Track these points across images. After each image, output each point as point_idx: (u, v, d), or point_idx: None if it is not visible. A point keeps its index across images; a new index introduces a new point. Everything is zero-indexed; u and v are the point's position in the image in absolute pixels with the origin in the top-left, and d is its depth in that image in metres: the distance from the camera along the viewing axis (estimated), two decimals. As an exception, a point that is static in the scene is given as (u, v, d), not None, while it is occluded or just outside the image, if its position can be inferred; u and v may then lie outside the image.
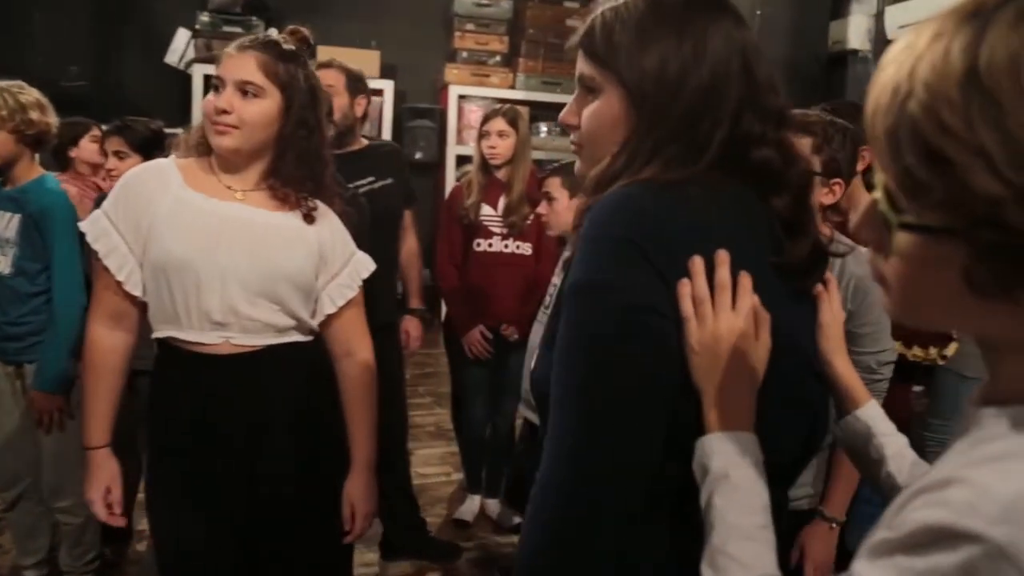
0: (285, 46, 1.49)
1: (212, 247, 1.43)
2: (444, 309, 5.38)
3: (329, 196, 1.57)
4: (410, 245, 2.83)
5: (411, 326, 2.81)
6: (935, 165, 0.47)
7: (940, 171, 0.46)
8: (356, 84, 2.60)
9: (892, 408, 1.90)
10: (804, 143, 1.42)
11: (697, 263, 0.74)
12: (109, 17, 5.23)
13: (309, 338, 1.55)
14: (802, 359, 0.84)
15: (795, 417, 0.83)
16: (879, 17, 5.13)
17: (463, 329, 2.81)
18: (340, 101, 2.52)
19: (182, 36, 5.42)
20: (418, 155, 5.88)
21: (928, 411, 2.79)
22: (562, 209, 2.28)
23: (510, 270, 2.80)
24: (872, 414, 0.89)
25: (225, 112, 1.42)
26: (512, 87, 6.10)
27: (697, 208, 0.77)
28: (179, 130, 5.41)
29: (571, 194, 2.27)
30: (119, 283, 1.45)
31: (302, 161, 1.49)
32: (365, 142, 2.67)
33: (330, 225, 1.56)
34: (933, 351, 2.17)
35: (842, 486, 1.57)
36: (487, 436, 2.93)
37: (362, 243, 1.66)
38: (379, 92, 5.74)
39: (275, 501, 1.49)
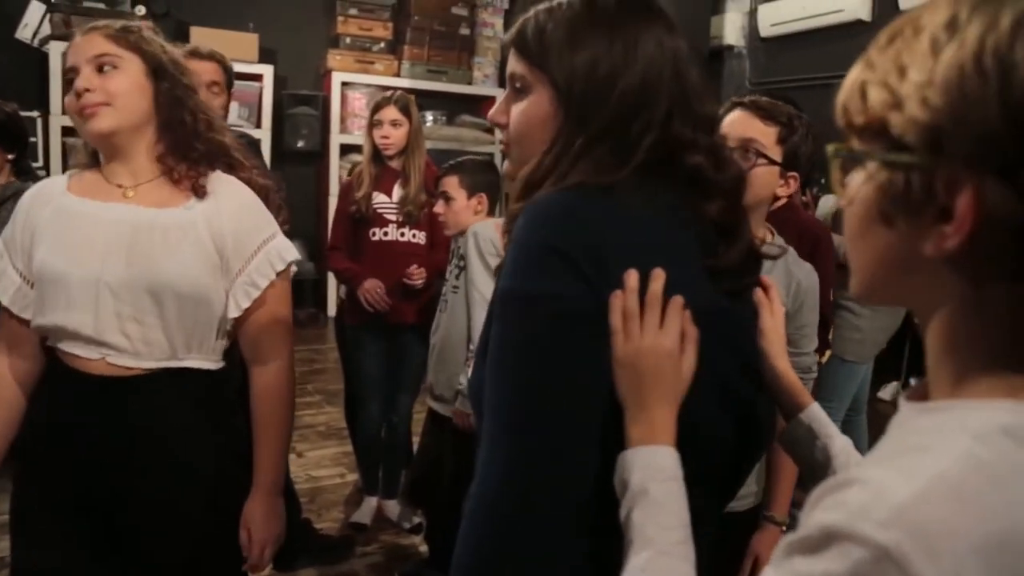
0: (129, 23, 1.37)
1: (85, 257, 1.27)
2: (333, 304, 5.20)
3: (239, 167, 1.40)
4: None
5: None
6: None
7: None
8: (231, 79, 2.45)
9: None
10: (769, 132, 1.43)
11: (632, 278, 0.73)
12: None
13: (212, 363, 1.36)
14: (738, 361, 0.83)
15: (732, 421, 0.82)
16: (752, 14, 5.35)
17: (357, 282, 2.70)
18: (221, 100, 2.36)
19: (35, 10, 4.97)
20: (300, 144, 5.66)
21: (814, 395, 2.93)
22: (460, 209, 2.24)
23: (406, 259, 2.72)
24: (816, 415, 0.89)
25: (88, 91, 1.27)
26: (397, 75, 5.97)
27: (628, 213, 0.76)
28: (34, 113, 4.98)
29: (468, 193, 2.23)
30: (8, 308, 1.32)
31: (185, 123, 1.34)
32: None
33: (232, 207, 1.35)
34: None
35: (785, 487, 1.57)
36: (383, 435, 2.84)
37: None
38: (258, 77, 5.49)
39: (148, 543, 1.32)
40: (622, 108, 0.78)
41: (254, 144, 2.58)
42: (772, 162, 1.42)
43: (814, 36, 4.88)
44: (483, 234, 2.07)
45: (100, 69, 1.29)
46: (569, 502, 0.71)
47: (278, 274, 1.37)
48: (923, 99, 0.48)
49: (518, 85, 0.84)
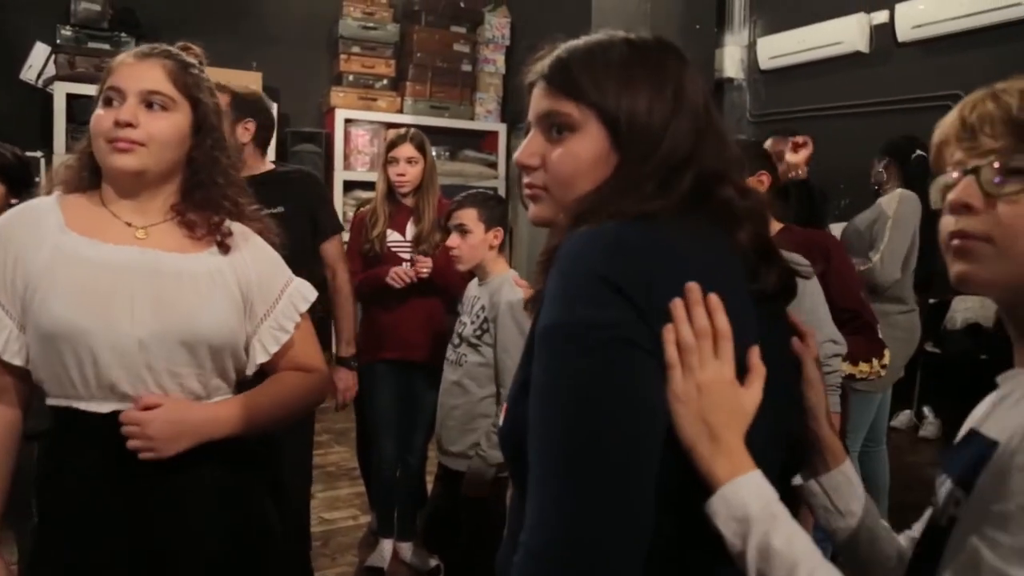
0: (188, 58, 1.32)
1: (107, 307, 1.18)
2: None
3: (249, 218, 1.36)
4: (337, 284, 2.56)
5: (342, 377, 2.56)
6: None
7: None
8: (240, 107, 2.43)
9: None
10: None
11: (679, 308, 0.72)
12: (-49, 31, 4.76)
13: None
14: (783, 391, 0.82)
15: (778, 452, 0.82)
16: (751, 47, 5.41)
17: (382, 275, 2.64)
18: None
19: (40, 51, 5.00)
20: (305, 180, 5.68)
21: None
22: (477, 243, 2.20)
23: (420, 298, 2.70)
24: (850, 471, 0.89)
25: (129, 125, 1.19)
26: (400, 111, 6.00)
27: (673, 240, 0.76)
28: (38, 153, 4.97)
29: (486, 227, 2.20)
30: None
31: (218, 185, 1.30)
32: (269, 167, 2.50)
33: (253, 254, 1.32)
34: (876, 363, 2.24)
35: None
36: (398, 475, 2.80)
37: None
38: (261, 115, 5.51)
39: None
40: (674, 149, 0.80)
41: (293, 179, 2.54)
42: None
43: (813, 68, 4.92)
44: (512, 299, 2.06)
45: (149, 105, 1.22)
46: (635, 551, 0.68)
47: (302, 315, 1.36)
48: None
49: (559, 123, 0.82)
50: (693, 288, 0.73)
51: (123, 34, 4.96)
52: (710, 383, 0.71)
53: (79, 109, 4.67)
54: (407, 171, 2.67)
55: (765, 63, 5.27)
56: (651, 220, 0.75)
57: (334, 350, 2.60)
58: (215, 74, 5.24)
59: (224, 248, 1.29)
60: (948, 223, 0.71)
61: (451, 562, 2.38)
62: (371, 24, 5.90)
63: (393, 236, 2.73)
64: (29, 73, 5.01)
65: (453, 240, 2.22)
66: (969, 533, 0.62)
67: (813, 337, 0.91)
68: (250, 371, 1.33)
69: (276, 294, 1.34)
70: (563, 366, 0.70)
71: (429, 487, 2.68)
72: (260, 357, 1.31)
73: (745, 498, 0.68)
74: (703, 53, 4.10)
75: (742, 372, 0.75)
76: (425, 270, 2.63)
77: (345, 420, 3.79)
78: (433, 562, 2.74)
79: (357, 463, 3.13)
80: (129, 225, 1.26)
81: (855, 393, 2.83)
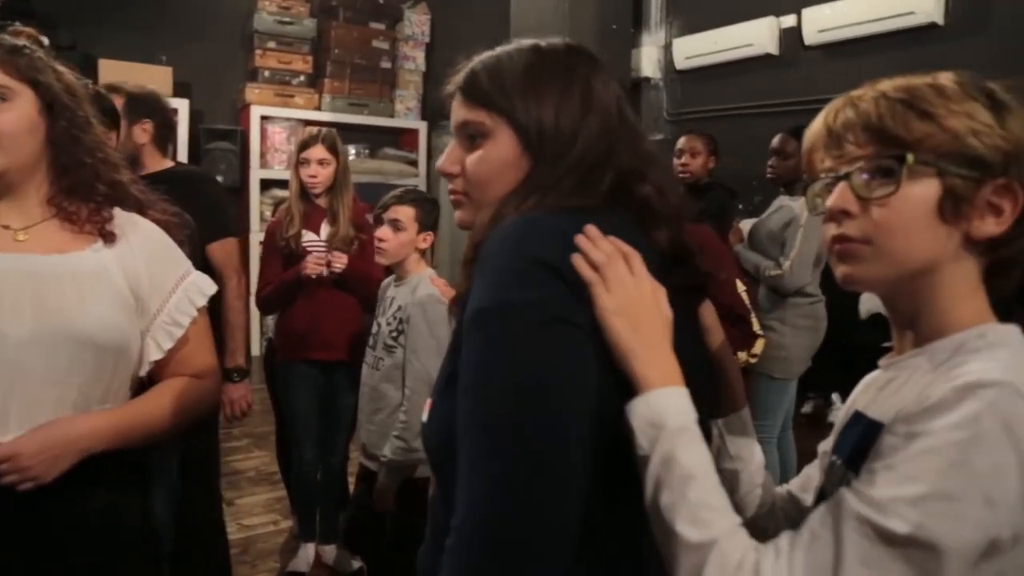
0: (15, 41, 1.21)
1: None
2: (258, 343, 5.05)
3: (136, 202, 1.27)
4: (225, 290, 2.38)
5: (229, 391, 2.38)
6: (923, 118, 0.70)
7: (926, 121, 0.70)
8: (136, 108, 2.31)
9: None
10: None
11: (583, 239, 0.74)
12: None
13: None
14: (697, 368, 0.85)
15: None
16: (667, 48, 5.54)
17: (295, 272, 2.60)
18: (119, 128, 2.25)
19: (-75, 43, 4.71)
20: (219, 179, 5.50)
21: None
22: (407, 241, 2.18)
23: (338, 297, 2.65)
24: (747, 417, 0.95)
25: None
26: (318, 108, 5.91)
27: (602, 228, 0.78)
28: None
29: (420, 228, 2.18)
30: None
31: (86, 164, 1.22)
32: (167, 165, 2.41)
33: (142, 243, 1.24)
34: (743, 355, 2.32)
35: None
36: (319, 477, 2.74)
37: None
38: (173, 111, 5.31)
39: None
40: (586, 149, 0.82)
41: (183, 180, 2.43)
42: None
43: (726, 69, 5.07)
44: (430, 301, 2.04)
45: None
46: (569, 526, 0.68)
47: (199, 310, 1.29)
48: (1002, 135, 0.69)
49: (473, 131, 0.85)
50: (591, 227, 0.75)
51: (17, 23, 4.69)
52: (635, 296, 0.73)
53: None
54: (319, 172, 2.63)
55: (681, 63, 5.40)
56: (580, 211, 0.78)
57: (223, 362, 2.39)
58: (123, 69, 5.02)
59: (109, 238, 1.21)
60: (829, 229, 0.75)
61: (374, 563, 2.35)
62: (287, 19, 5.78)
63: (308, 236, 2.68)
64: (-85, 65, 4.71)
65: (384, 232, 2.18)
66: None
67: (706, 300, 0.96)
68: (143, 371, 1.25)
69: (171, 287, 1.26)
70: (499, 346, 0.70)
71: (352, 488, 2.64)
72: (153, 354, 1.24)
73: (667, 407, 0.70)
74: (620, 53, 4.18)
75: None
76: (339, 265, 2.59)
77: (265, 424, 3.70)
78: (356, 564, 2.70)
79: (277, 467, 3.06)
80: (7, 228, 1.18)
81: (774, 381, 2.95)
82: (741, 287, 2.27)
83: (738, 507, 0.92)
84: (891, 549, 0.59)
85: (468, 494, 0.69)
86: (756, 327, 2.25)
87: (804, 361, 3.08)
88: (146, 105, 2.34)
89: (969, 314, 0.72)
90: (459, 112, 0.86)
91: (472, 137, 0.85)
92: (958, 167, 0.69)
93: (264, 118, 5.67)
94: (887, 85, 0.73)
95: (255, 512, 3.19)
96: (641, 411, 0.70)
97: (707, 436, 0.92)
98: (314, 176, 2.62)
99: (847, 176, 0.73)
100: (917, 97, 0.71)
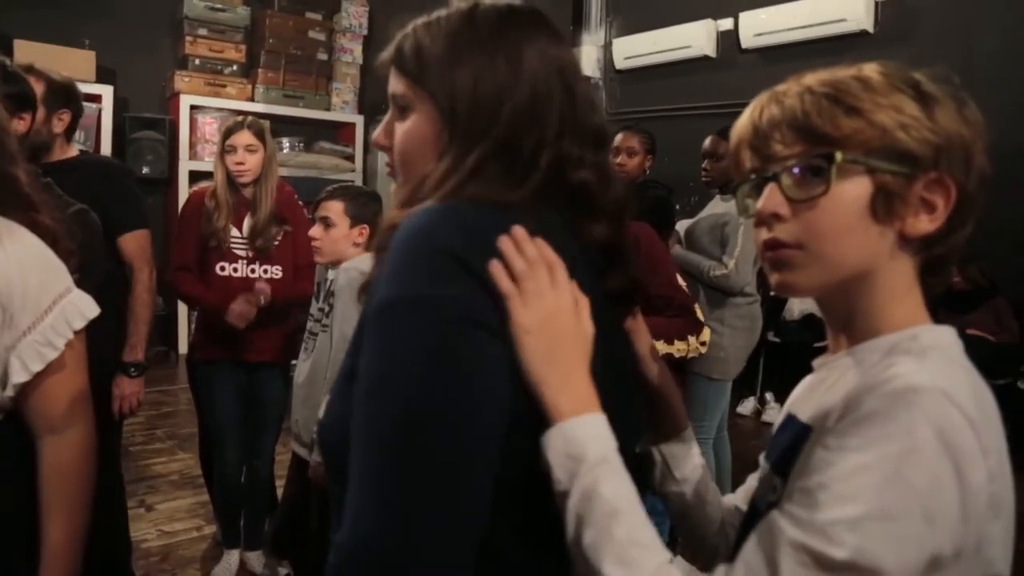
0: None
1: None
2: (185, 342, 4.87)
3: (25, 202, 1.17)
4: (135, 283, 2.25)
5: (121, 383, 2.23)
6: (850, 114, 0.67)
7: (853, 117, 0.67)
8: (56, 96, 2.17)
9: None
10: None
11: (507, 242, 0.68)
12: None
13: None
14: (624, 399, 0.79)
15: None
16: (607, 48, 5.55)
17: (223, 311, 2.45)
18: (36, 114, 2.12)
19: None
20: (145, 170, 5.29)
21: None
22: (339, 237, 2.10)
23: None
24: (688, 437, 0.90)
25: None
26: (251, 99, 5.74)
27: (522, 223, 0.71)
28: None
29: (352, 223, 2.10)
30: None
31: None
32: (73, 153, 2.27)
33: (18, 255, 1.13)
34: (692, 340, 2.30)
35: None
36: (243, 480, 2.63)
37: (92, 274, 1.32)
38: (96, 98, 5.08)
39: None
40: (513, 125, 0.74)
41: (90, 168, 2.30)
42: None
43: (665, 70, 5.12)
44: (358, 269, 1.96)
45: None
46: (464, 553, 0.62)
47: (76, 333, 1.17)
48: (930, 128, 0.66)
49: (400, 104, 0.79)
50: (518, 228, 0.69)
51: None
52: (553, 312, 0.68)
53: None
54: (246, 159, 2.51)
55: (620, 63, 5.43)
56: (501, 207, 0.71)
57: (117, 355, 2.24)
58: (43, 51, 4.78)
59: None
60: (760, 233, 0.71)
61: (301, 567, 2.27)
62: (219, 6, 5.59)
63: (232, 232, 2.56)
64: None
65: (316, 231, 2.11)
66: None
67: (639, 316, 0.90)
68: (9, 392, 1.13)
69: (46, 305, 1.14)
70: (400, 344, 0.64)
71: (279, 494, 2.54)
72: (18, 376, 1.12)
73: (585, 438, 0.65)
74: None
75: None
76: (263, 299, 2.49)
77: (190, 425, 3.55)
78: (283, 570, 2.60)
79: (200, 470, 2.93)
80: None
81: (712, 382, 2.95)
82: (681, 280, 2.25)
83: (691, 530, 0.90)
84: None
85: (354, 508, 0.62)
86: (700, 316, 2.24)
87: (741, 362, 3.10)
88: (66, 95, 2.21)
89: (903, 315, 0.69)
90: (391, 82, 0.80)
91: (402, 109, 0.79)
92: (889, 163, 0.66)
93: (194, 107, 5.47)
94: (812, 79, 0.70)
95: (177, 517, 3.05)
96: (557, 443, 0.65)
97: (633, 457, 0.88)
98: (241, 163, 2.50)
99: (775, 177, 0.69)
100: (843, 91, 0.67)
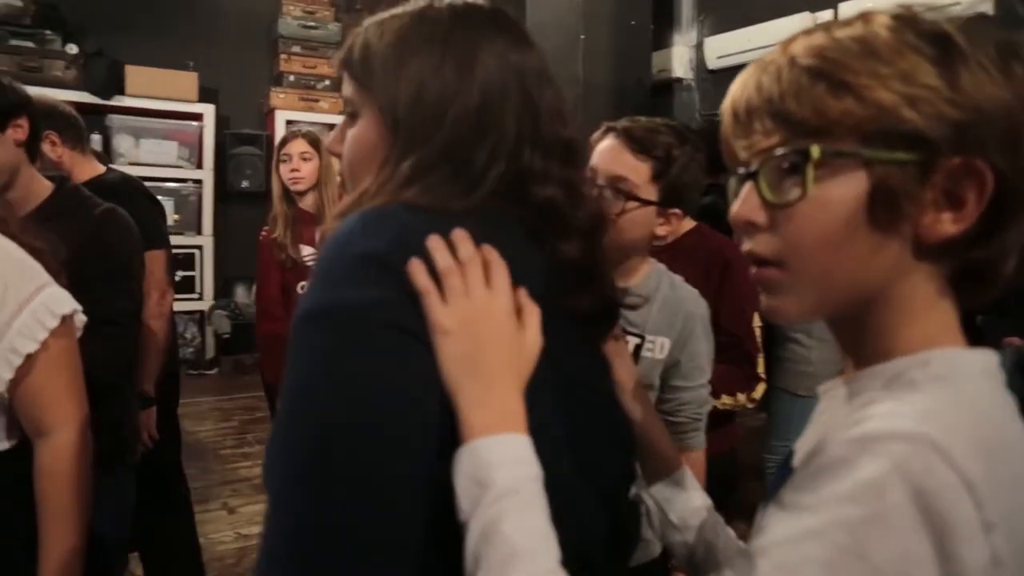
0: None
1: None
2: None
3: (6, 233, 1.17)
4: (146, 308, 2.03)
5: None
6: (838, 92, 0.53)
7: (842, 96, 0.52)
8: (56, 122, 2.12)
9: (721, 442, 1.84)
10: (642, 168, 1.29)
11: (438, 239, 0.61)
12: None
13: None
14: (597, 404, 0.72)
15: (590, 469, 0.68)
16: (699, 47, 5.36)
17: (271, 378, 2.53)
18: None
19: (-40, 50, 4.80)
20: (244, 184, 5.52)
21: (769, 434, 2.81)
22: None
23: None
24: (685, 478, 0.80)
25: None
26: (343, 113, 5.86)
27: (465, 228, 0.65)
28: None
29: None
30: None
31: None
32: (100, 170, 2.27)
33: None
34: (742, 397, 2.15)
35: None
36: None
37: (119, 282, 1.31)
38: (198, 117, 5.36)
39: None
40: (460, 132, 0.68)
41: (125, 186, 2.27)
42: (646, 202, 1.30)
43: (760, 67, 4.88)
44: None
45: None
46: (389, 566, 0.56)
47: (52, 332, 1.14)
48: (951, 99, 0.51)
49: (349, 110, 0.74)
50: (458, 231, 0.62)
51: (48, 32, 4.77)
52: (481, 313, 0.59)
53: None
54: (300, 167, 2.54)
55: (712, 63, 5.22)
56: (442, 214, 0.65)
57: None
58: (151, 75, 5.00)
59: None
60: (743, 244, 0.59)
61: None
62: (312, 23, 5.76)
63: (307, 250, 2.57)
64: (-51, 73, 4.81)
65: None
66: None
67: (623, 340, 0.80)
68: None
69: (12, 310, 1.12)
70: (320, 355, 0.58)
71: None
72: (5, 373, 1.12)
73: (495, 461, 0.55)
74: (639, 51, 4.01)
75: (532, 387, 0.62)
76: None
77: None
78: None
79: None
80: None
81: (798, 399, 2.73)
82: (757, 321, 2.06)
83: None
84: None
85: (268, 527, 0.56)
86: (760, 369, 2.07)
87: (831, 377, 2.87)
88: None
89: (920, 335, 0.55)
90: (343, 85, 0.75)
91: (351, 114, 0.74)
92: (890, 151, 0.51)
93: (289, 122, 5.64)
94: (802, 45, 0.55)
95: (256, 521, 3.12)
96: (465, 464, 0.56)
97: (625, 504, 0.77)
98: (296, 170, 2.53)
99: (753, 174, 0.56)
100: (832, 62, 0.53)
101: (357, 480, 0.55)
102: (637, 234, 1.31)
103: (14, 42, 4.70)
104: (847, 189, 0.53)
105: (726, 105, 0.61)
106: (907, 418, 0.47)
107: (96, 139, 4.84)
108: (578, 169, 0.74)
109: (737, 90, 0.59)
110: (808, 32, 0.57)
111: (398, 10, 0.75)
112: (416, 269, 0.59)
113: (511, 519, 0.53)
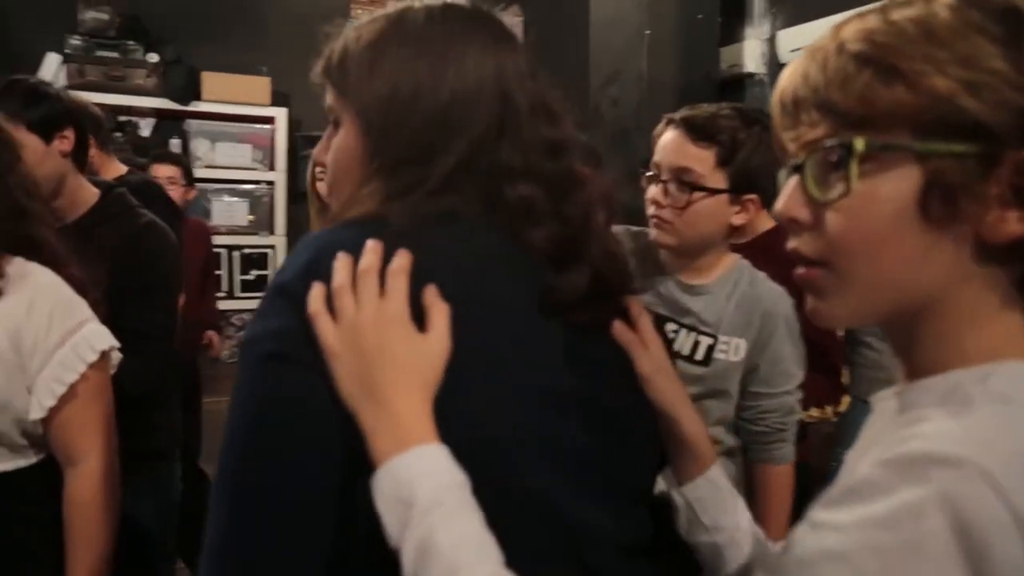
0: None
1: None
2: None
3: (48, 260, 1.26)
4: None
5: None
6: (888, 80, 0.49)
7: (893, 84, 0.49)
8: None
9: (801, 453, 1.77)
10: (706, 155, 1.25)
11: (344, 256, 0.61)
12: (-33, 42, 4.83)
13: (19, 463, 1.21)
14: (625, 423, 0.70)
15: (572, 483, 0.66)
16: (771, 41, 5.20)
17: None
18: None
19: (52, 61, 5.04)
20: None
21: (838, 442, 2.70)
22: None
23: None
24: (718, 478, 0.76)
25: None
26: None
27: (388, 240, 0.63)
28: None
29: None
30: None
31: None
32: (120, 171, 2.40)
33: (30, 298, 1.21)
34: (828, 410, 2.06)
35: (774, 510, 1.36)
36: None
37: (158, 296, 1.33)
38: (271, 120, 5.50)
39: None
40: (425, 131, 0.67)
41: (146, 189, 2.35)
42: (713, 191, 1.24)
43: (836, 60, 4.70)
44: None
45: None
46: None
47: (91, 366, 1.23)
48: (1017, 85, 0.47)
49: (332, 117, 0.75)
50: (370, 242, 0.62)
51: (131, 42, 4.98)
52: (366, 325, 0.58)
53: (88, 117, 4.70)
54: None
55: (785, 56, 5.06)
56: (377, 221, 0.65)
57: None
58: (225, 80, 5.21)
59: None
60: (789, 242, 0.57)
61: None
62: (381, 26, 5.85)
63: None
64: (42, 83, 5.07)
65: None
66: None
67: (644, 317, 0.76)
68: (30, 428, 1.22)
69: (56, 342, 1.21)
70: (235, 382, 0.61)
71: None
72: (35, 412, 1.20)
73: (413, 477, 0.54)
74: (706, 46, 3.92)
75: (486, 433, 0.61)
76: None
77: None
78: None
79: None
80: None
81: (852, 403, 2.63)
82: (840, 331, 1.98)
83: None
84: None
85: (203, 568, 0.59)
86: (845, 379, 1.99)
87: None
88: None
89: (983, 344, 0.51)
90: (326, 94, 0.76)
91: (335, 122, 0.75)
92: (946, 143, 0.47)
93: (358, 125, 5.77)
94: (852, 29, 0.52)
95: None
96: (384, 486, 0.55)
97: (647, 502, 0.75)
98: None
99: (800, 167, 0.54)
100: (882, 47, 0.50)
101: (258, 504, 0.57)
102: (709, 226, 1.26)
103: (100, 53, 4.93)
104: (897, 185, 0.49)
105: (775, 96, 0.58)
106: (957, 440, 0.43)
107: (175, 143, 5.02)
108: (568, 165, 0.72)
109: (786, 79, 0.56)
110: (862, 15, 0.53)
111: (378, 13, 0.75)
112: (312, 294, 0.59)
113: (442, 532, 0.52)
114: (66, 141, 1.67)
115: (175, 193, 3.40)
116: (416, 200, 0.65)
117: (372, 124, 0.69)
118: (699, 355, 1.31)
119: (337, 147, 0.73)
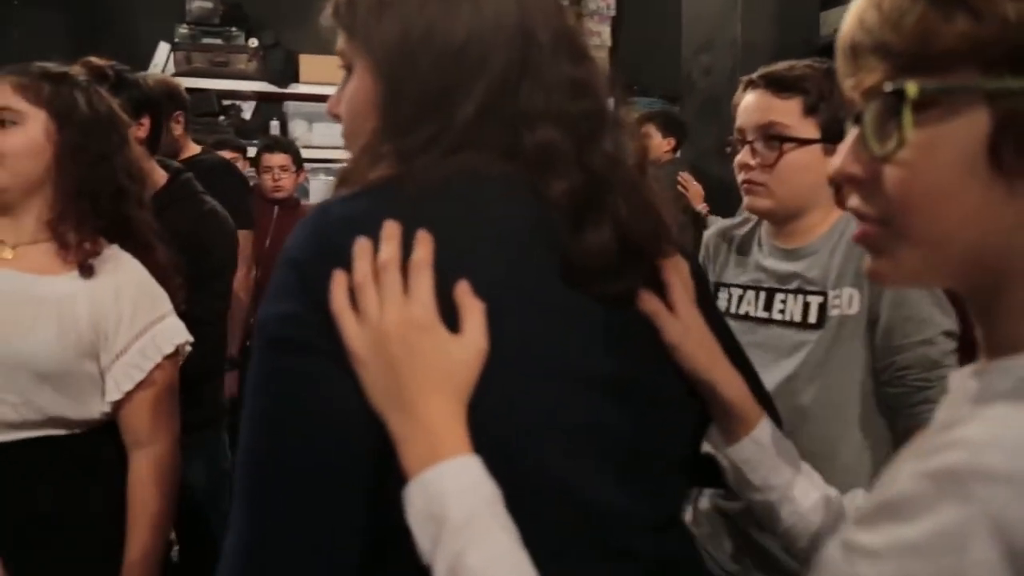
0: (55, 70, 1.31)
1: None
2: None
3: (143, 242, 1.33)
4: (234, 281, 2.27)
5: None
6: (948, 12, 0.44)
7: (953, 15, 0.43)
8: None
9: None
10: (790, 106, 1.19)
11: (363, 242, 0.57)
12: (87, 33, 5.13)
13: (73, 431, 1.27)
14: (605, 383, 0.65)
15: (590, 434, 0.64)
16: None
17: None
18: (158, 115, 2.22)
19: (163, 50, 5.31)
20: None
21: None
22: None
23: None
24: (765, 438, 0.72)
25: None
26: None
27: (405, 213, 0.60)
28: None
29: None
30: None
31: (90, 196, 1.27)
32: (194, 150, 2.51)
33: (120, 282, 1.27)
34: None
35: None
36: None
37: (213, 284, 1.41)
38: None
39: None
40: (440, 73, 0.63)
41: (221, 168, 2.50)
42: (803, 141, 1.18)
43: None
44: None
45: (0, 123, 1.23)
46: None
47: (166, 357, 1.30)
48: None
49: (344, 63, 0.71)
50: (389, 223, 0.58)
51: (233, 29, 5.18)
52: (393, 329, 0.55)
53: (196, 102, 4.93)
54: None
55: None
56: (389, 187, 0.61)
57: None
58: (324, 62, 5.38)
59: (86, 270, 1.25)
60: (847, 200, 0.53)
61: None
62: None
63: None
64: (154, 71, 5.34)
65: None
66: None
67: (676, 284, 0.71)
68: (102, 408, 1.28)
69: (139, 330, 1.27)
70: (251, 372, 0.59)
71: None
72: (112, 394, 1.27)
73: (446, 492, 0.52)
74: (805, 7, 3.73)
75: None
76: None
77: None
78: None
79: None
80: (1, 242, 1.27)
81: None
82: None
83: (785, 540, 0.74)
84: None
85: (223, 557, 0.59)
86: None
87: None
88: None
89: None
90: (337, 38, 0.72)
91: (347, 68, 0.72)
92: (1021, 78, 0.42)
93: (450, 103, 5.82)
94: None
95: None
96: (416, 500, 0.54)
97: (696, 460, 0.73)
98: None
99: (859, 118, 0.49)
100: None
101: (276, 503, 0.56)
102: (805, 181, 1.19)
103: (205, 40, 5.15)
104: (962, 131, 0.44)
105: (837, 42, 0.53)
106: (1007, 449, 0.37)
107: (274, 125, 5.20)
108: (593, 107, 0.67)
109: (846, 23, 0.52)
110: None
111: None
112: (334, 289, 0.57)
113: (474, 552, 0.51)
114: (142, 128, 1.77)
115: (287, 181, 3.52)
116: (433, 160, 0.62)
117: (384, 67, 0.65)
118: (812, 317, 1.21)
119: (351, 95, 0.69)
